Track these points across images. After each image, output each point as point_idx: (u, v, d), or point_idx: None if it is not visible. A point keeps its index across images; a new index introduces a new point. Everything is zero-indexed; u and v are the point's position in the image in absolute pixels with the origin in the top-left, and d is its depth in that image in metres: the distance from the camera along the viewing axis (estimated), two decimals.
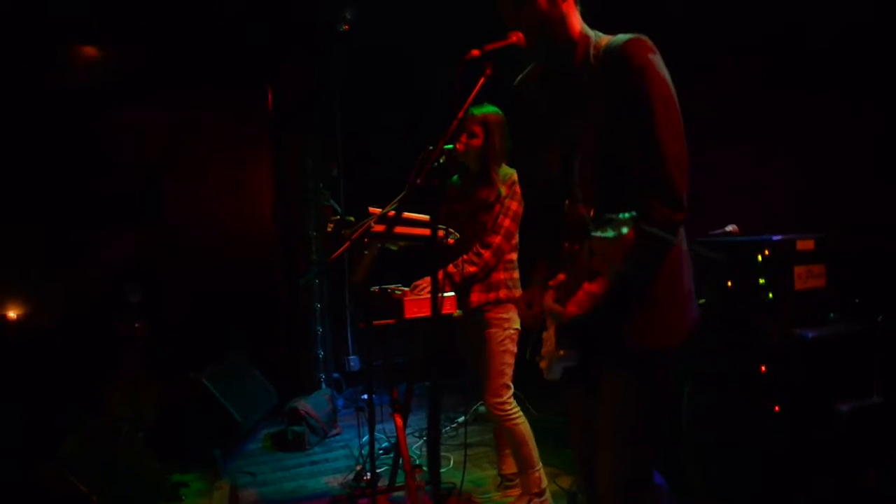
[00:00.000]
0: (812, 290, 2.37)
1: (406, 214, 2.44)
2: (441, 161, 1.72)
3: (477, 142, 2.64)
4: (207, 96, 4.77)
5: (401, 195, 2.10)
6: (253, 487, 3.25)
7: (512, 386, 2.70)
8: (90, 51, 4.75)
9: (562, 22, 1.54)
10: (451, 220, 2.76)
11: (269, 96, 4.68)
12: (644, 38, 1.47)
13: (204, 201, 4.86)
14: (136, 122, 4.73)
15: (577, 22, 1.57)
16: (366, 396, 4.30)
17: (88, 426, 2.48)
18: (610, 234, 1.20)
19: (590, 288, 1.44)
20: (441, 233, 2.54)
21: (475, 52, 1.55)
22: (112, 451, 2.45)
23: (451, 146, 1.80)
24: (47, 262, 4.45)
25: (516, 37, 1.61)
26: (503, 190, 2.64)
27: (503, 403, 2.64)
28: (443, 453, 3.67)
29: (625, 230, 1.16)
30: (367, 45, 4.52)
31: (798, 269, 2.34)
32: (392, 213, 2.38)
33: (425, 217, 2.52)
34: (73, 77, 4.59)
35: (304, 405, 3.88)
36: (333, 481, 3.30)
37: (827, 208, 2.88)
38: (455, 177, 2.86)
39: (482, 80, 1.64)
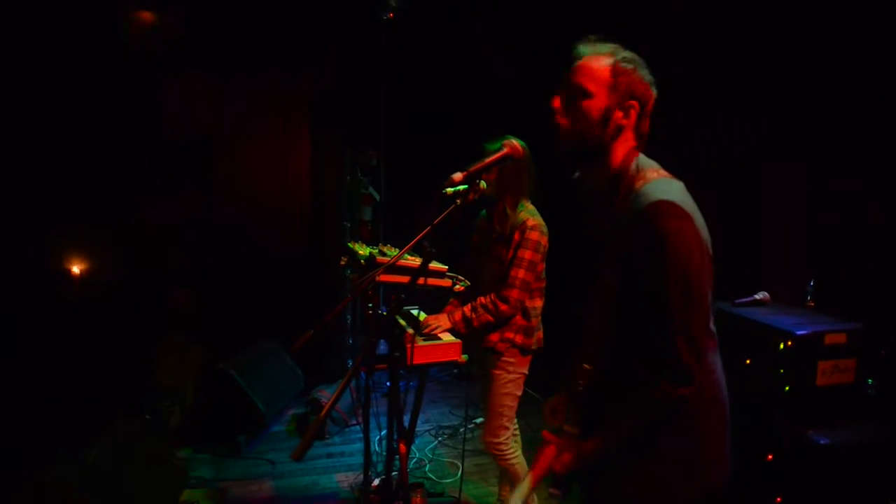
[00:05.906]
0: (837, 387, 2.20)
1: (408, 262, 2.42)
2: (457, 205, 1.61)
3: (492, 177, 2.55)
4: (256, 72, 4.79)
5: (409, 244, 2.06)
6: (270, 480, 3.47)
7: (510, 426, 2.71)
8: (146, 16, 4.81)
9: (602, 149, 1.39)
10: (476, 252, 2.75)
11: (309, 83, 4.63)
12: (671, 200, 1.27)
13: (247, 176, 4.95)
14: (185, 89, 4.81)
15: (621, 154, 1.39)
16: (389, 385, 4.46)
17: (113, 434, 2.67)
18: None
19: (582, 449, 1.34)
20: (448, 282, 2.51)
21: (456, 178, 1.45)
22: (131, 462, 2.64)
23: (465, 187, 1.73)
24: (105, 222, 4.68)
25: (510, 147, 1.50)
26: (515, 236, 2.55)
27: (499, 444, 2.67)
28: (452, 459, 3.77)
29: None
30: (413, 30, 4.35)
31: (823, 365, 2.16)
32: (404, 262, 2.37)
33: (439, 267, 2.49)
34: (128, 40, 4.68)
35: (328, 396, 4.04)
36: (344, 480, 3.47)
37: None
38: (484, 211, 2.79)
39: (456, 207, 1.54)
